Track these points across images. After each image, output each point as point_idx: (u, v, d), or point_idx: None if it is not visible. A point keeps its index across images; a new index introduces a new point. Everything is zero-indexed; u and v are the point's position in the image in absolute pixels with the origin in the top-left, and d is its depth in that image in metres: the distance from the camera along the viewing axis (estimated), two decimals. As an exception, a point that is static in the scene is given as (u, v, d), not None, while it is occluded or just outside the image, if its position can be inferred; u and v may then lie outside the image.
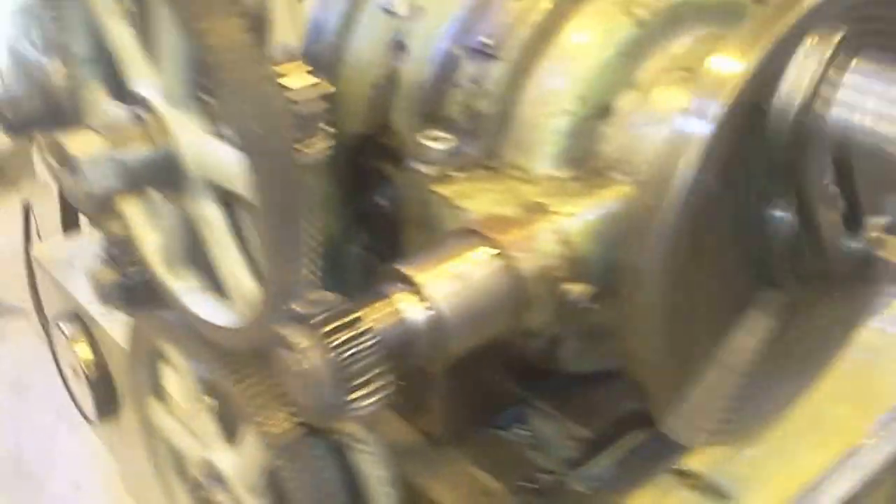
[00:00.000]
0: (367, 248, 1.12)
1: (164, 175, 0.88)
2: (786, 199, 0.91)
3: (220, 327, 0.96)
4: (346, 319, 0.79)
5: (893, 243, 0.91)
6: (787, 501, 1.05)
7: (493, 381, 1.15)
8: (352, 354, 0.79)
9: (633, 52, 0.95)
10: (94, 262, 1.16)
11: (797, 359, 1.03)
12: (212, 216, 0.92)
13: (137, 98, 0.89)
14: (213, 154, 0.87)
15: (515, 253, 0.87)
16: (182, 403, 1.19)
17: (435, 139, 0.96)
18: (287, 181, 0.80)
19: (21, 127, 1.11)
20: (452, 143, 0.97)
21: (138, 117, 0.87)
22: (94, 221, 1.19)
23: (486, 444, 1.14)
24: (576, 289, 0.89)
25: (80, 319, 2.28)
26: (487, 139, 0.98)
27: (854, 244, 0.93)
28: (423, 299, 0.84)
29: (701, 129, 0.82)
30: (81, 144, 0.83)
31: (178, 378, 1.18)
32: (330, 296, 0.82)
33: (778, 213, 0.92)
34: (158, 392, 1.29)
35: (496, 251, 0.87)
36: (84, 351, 2.26)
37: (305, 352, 0.78)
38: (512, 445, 1.15)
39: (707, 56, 0.91)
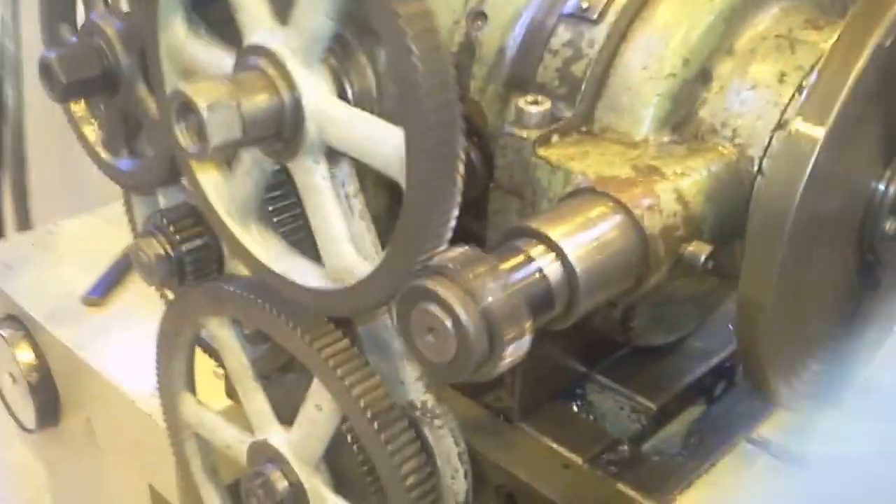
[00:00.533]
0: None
1: (282, 132, 0.84)
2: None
3: (313, 290, 0.92)
4: (488, 271, 0.77)
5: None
6: (863, 465, 1.06)
7: (563, 356, 1.14)
8: (499, 306, 0.76)
9: (732, 19, 0.96)
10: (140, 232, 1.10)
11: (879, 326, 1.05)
12: (321, 183, 0.88)
13: (261, 50, 0.84)
14: (343, 121, 0.83)
15: (639, 211, 0.86)
16: (236, 385, 1.13)
17: (534, 103, 0.95)
18: (447, 138, 0.77)
19: (70, 91, 1.04)
20: (549, 107, 0.95)
21: (262, 70, 0.83)
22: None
23: (557, 418, 1.12)
24: (697, 248, 0.89)
25: (20, 323, 2.16)
26: (584, 104, 0.97)
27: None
28: (558, 256, 0.82)
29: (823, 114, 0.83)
30: (206, 92, 0.79)
31: (231, 358, 1.12)
32: (467, 249, 0.79)
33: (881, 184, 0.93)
34: (192, 386, 1.22)
35: (621, 210, 0.86)
36: (26, 356, 2.15)
37: (453, 303, 0.75)
38: (581, 419, 1.14)
39: (799, 25, 0.94)
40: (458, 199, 0.80)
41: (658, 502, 1.02)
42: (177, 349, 1.19)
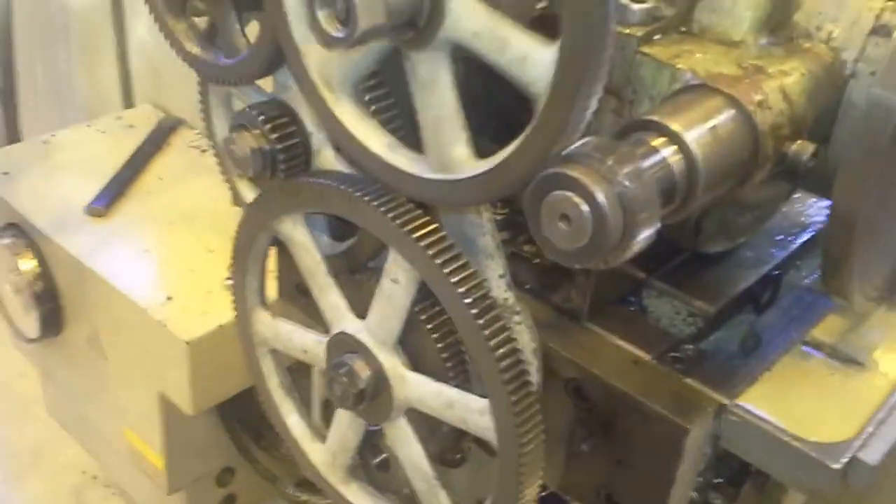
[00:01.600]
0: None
1: (417, 21, 0.81)
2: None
3: (423, 179, 0.90)
4: (624, 157, 0.76)
5: None
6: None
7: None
8: (635, 190, 0.75)
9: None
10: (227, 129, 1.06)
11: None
12: (443, 77, 0.85)
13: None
14: (488, 28, 0.80)
15: (752, 108, 0.86)
16: (310, 282, 1.10)
17: (637, 0, 0.93)
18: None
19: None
20: (652, 5, 0.94)
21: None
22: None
23: (621, 319, 1.13)
24: (802, 145, 0.89)
25: (22, 232, 2.10)
26: (685, 3, 0.96)
27: None
28: (681, 148, 0.82)
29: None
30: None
31: (305, 256, 1.09)
32: (599, 138, 0.78)
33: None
34: (265, 301, 1.19)
35: (736, 106, 0.86)
36: (29, 264, 2.10)
37: (595, 187, 0.74)
38: (644, 321, 1.14)
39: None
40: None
41: (725, 396, 1.03)
42: (251, 262, 1.16)
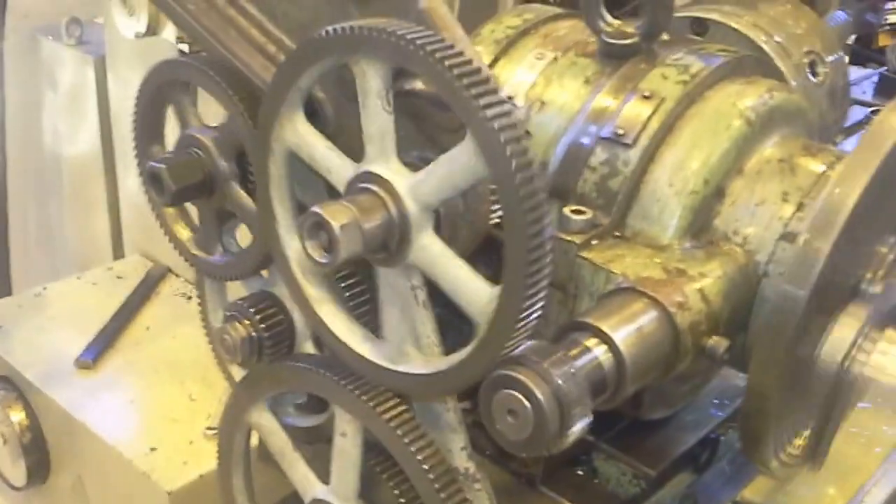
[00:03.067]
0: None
1: (390, 247, 0.96)
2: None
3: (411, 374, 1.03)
4: (559, 360, 0.90)
5: None
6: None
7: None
8: (569, 389, 0.89)
9: (743, 146, 1.12)
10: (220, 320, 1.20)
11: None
12: (405, 292, 1.00)
13: (380, 180, 0.96)
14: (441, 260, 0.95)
15: (673, 309, 1.00)
16: (280, 461, 1.22)
17: (577, 212, 1.09)
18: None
19: (178, 197, 1.15)
20: (590, 215, 1.09)
21: (374, 193, 0.95)
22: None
23: (572, 482, 1.25)
24: (717, 341, 1.03)
25: (13, 384, 2.20)
26: (618, 213, 1.11)
27: None
28: (610, 347, 0.95)
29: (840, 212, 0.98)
30: (337, 214, 0.90)
31: (273, 440, 1.21)
32: (538, 342, 0.91)
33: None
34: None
35: (658, 308, 1.00)
36: (18, 416, 2.19)
37: (535, 388, 0.87)
38: (592, 483, 1.26)
39: (797, 152, 1.09)
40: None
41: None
42: (234, 464, 1.29)
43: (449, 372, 0.97)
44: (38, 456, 2.19)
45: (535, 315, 0.90)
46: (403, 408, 1.07)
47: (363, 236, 0.92)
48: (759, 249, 1.09)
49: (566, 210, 1.09)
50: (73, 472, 2.16)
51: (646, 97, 1.12)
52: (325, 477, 1.19)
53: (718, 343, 1.03)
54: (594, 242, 1.09)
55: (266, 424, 1.24)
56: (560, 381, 0.89)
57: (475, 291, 0.93)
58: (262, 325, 1.16)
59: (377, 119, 0.95)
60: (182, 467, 1.93)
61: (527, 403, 0.88)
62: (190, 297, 2.47)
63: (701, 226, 1.11)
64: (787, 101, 1.17)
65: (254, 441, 1.31)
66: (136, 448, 1.98)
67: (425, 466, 1.04)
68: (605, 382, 0.95)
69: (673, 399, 1.28)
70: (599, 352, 0.95)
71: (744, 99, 1.13)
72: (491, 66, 1.23)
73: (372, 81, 0.93)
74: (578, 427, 0.91)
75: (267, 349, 1.16)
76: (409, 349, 1.02)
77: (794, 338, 1.02)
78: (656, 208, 1.10)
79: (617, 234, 1.11)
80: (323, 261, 0.92)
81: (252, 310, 1.16)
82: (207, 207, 1.18)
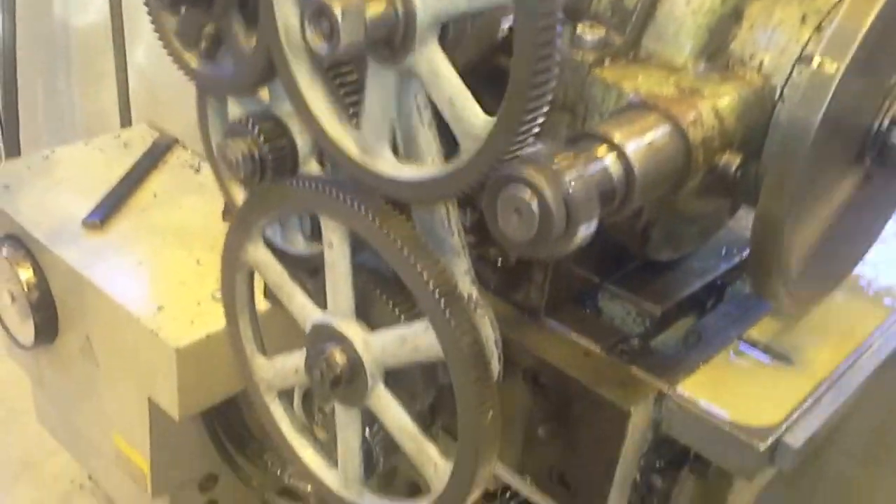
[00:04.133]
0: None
1: (392, 42, 0.93)
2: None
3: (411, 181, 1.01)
4: (569, 163, 0.88)
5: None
6: (842, 362, 1.21)
7: (583, 265, 1.25)
8: (577, 191, 0.87)
9: (764, -34, 1.08)
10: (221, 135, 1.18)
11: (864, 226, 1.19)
12: (409, 101, 0.98)
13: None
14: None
15: (685, 123, 0.98)
16: (279, 294, 1.21)
17: (591, 29, 1.06)
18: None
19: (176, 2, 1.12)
20: (604, 34, 1.06)
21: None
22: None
23: (575, 316, 1.24)
24: (729, 157, 1.01)
25: (21, 243, 2.20)
26: (633, 32, 1.08)
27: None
28: (620, 156, 0.94)
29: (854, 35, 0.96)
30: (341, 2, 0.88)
31: (269, 272, 1.20)
32: (550, 144, 0.90)
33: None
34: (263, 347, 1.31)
35: (672, 122, 0.98)
36: (26, 274, 2.19)
37: (544, 186, 0.86)
38: (598, 319, 1.26)
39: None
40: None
41: (666, 384, 1.15)
42: (239, 309, 1.28)
43: (442, 178, 0.96)
44: (46, 314, 2.20)
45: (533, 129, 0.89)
46: (408, 224, 1.06)
47: (366, 25, 0.89)
48: (775, 74, 1.06)
49: (580, 27, 1.06)
50: (81, 331, 2.17)
51: (665, -86, 1.09)
52: (322, 304, 1.19)
53: (731, 160, 1.01)
54: (607, 62, 1.07)
55: (262, 259, 1.24)
56: (569, 180, 0.87)
57: (470, 113, 0.91)
58: (264, 143, 1.14)
59: None
60: (189, 326, 1.94)
61: (534, 202, 0.87)
62: (198, 170, 2.46)
63: (717, 48, 1.08)
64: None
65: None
66: (144, 307, 1.98)
67: (430, 284, 1.03)
68: (613, 191, 0.93)
69: (680, 240, 1.27)
70: (609, 160, 0.93)
71: (767, -82, 1.09)
72: None
73: None
74: (584, 230, 0.90)
75: (269, 166, 1.14)
76: (385, 151, 1.01)
77: (806, 164, 1.01)
78: (672, 28, 1.07)
79: (631, 55, 1.09)
80: (322, 50, 0.90)
81: (254, 127, 1.14)
82: (207, 17, 1.16)
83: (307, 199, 1.11)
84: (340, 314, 1.15)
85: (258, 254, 1.24)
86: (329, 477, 1.27)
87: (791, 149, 1.01)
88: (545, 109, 0.88)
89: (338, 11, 0.88)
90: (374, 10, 0.90)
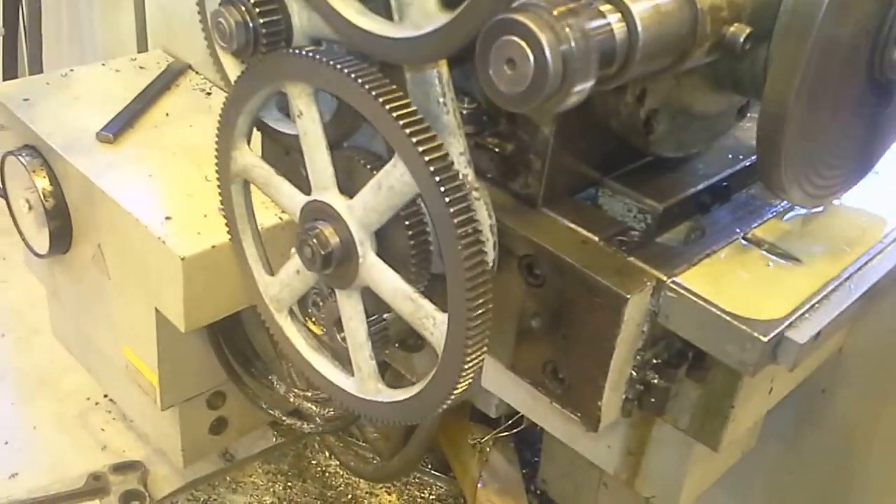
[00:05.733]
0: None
1: None
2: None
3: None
4: (569, 13, 0.79)
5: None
6: (850, 264, 1.11)
7: (583, 156, 1.16)
8: (575, 45, 0.78)
9: None
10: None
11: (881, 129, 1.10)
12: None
13: None
14: None
15: (694, -10, 0.89)
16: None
17: None
18: None
19: None
20: None
21: None
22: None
23: (575, 207, 1.16)
24: (738, 28, 0.92)
25: (38, 152, 2.15)
26: None
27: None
28: (624, 17, 0.85)
29: None
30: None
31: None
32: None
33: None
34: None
35: (679, -15, 0.88)
36: (42, 182, 2.14)
37: (542, 35, 0.77)
38: (597, 211, 1.17)
39: None
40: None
41: (664, 274, 1.06)
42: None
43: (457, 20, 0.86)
44: (60, 222, 2.15)
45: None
46: (406, 100, 0.97)
47: None
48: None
49: None
50: (93, 240, 2.11)
51: None
52: (308, 190, 1.11)
53: (739, 29, 0.92)
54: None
55: (248, 162, 1.18)
56: (568, 33, 0.78)
57: None
58: (258, 13, 1.06)
59: None
60: (196, 237, 1.88)
61: (529, 52, 0.78)
62: (210, 93, 2.38)
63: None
64: None
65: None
66: (153, 216, 1.92)
67: (426, 158, 0.95)
68: (613, 52, 0.85)
69: (686, 137, 1.18)
70: (613, 19, 0.84)
71: None
72: None
73: None
74: (579, 87, 0.81)
75: (262, 37, 1.06)
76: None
77: (814, 47, 0.91)
78: None
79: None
80: None
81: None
82: None
83: (298, 70, 1.03)
84: (322, 187, 1.07)
85: (244, 158, 1.17)
86: (347, 383, 1.20)
87: (799, 29, 0.91)
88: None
89: None
90: None
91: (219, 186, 1.26)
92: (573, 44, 0.78)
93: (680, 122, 1.14)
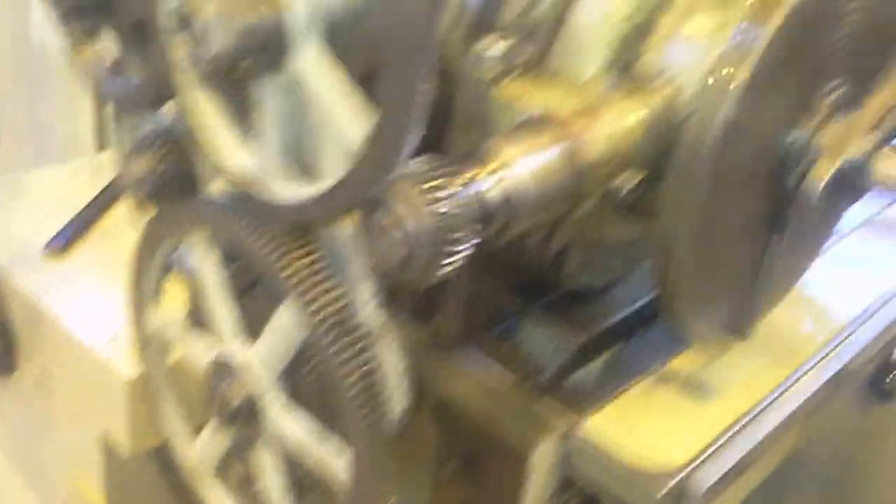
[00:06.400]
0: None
1: (271, 53, 0.87)
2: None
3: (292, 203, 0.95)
4: (442, 184, 0.81)
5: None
6: (762, 401, 1.12)
7: (499, 292, 1.18)
8: (447, 216, 0.81)
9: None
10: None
11: (787, 267, 1.11)
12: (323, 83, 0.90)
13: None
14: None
15: (578, 143, 0.91)
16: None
17: (491, 46, 0.99)
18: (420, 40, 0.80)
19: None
20: (507, 49, 0.99)
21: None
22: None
23: (489, 346, 1.16)
24: (625, 178, 0.94)
25: (-23, 271, 2.15)
26: (539, 47, 1.00)
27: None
28: (501, 178, 0.87)
29: (756, 44, 0.88)
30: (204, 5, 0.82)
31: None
32: (424, 162, 0.83)
33: (794, 134, 0.99)
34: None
35: (562, 140, 0.91)
36: (-17, 302, 2.14)
37: (406, 209, 0.79)
38: (512, 349, 1.18)
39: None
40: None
41: (573, 418, 1.06)
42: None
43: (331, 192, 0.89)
44: (4, 344, 2.14)
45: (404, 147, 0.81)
46: (299, 252, 0.99)
47: (237, 32, 0.82)
48: (686, 87, 0.97)
49: (479, 44, 0.99)
50: (38, 362, 2.09)
51: (575, -83, 1.01)
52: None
53: (626, 181, 0.94)
54: (509, 78, 0.99)
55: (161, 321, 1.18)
56: (435, 205, 0.80)
57: (347, 125, 0.84)
58: (165, 161, 1.08)
59: None
60: (142, 356, 1.89)
61: (397, 228, 0.81)
62: (169, 196, 2.42)
63: (627, 62, 0.99)
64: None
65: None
66: (98, 336, 1.91)
67: (310, 309, 0.96)
68: (490, 215, 0.85)
69: (602, 268, 1.19)
70: (490, 181, 0.85)
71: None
72: None
73: None
74: (453, 257, 0.83)
75: (168, 186, 1.08)
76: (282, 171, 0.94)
77: (708, 179, 0.93)
78: (580, 41, 0.98)
79: (538, 70, 1.01)
80: (193, 61, 0.84)
81: (156, 145, 1.08)
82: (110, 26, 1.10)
83: (193, 218, 1.06)
84: (227, 337, 1.09)
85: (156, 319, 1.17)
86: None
87: (690, 164, 0.92)
88: (416, 128, 0.81)
89: (204, 19, 0.82)
90: (245, 15, 0.84)
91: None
92: (440, 216, 0.80)
93: (594, 254, 1.16)
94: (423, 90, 0.78)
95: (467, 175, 0.85)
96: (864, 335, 1.27)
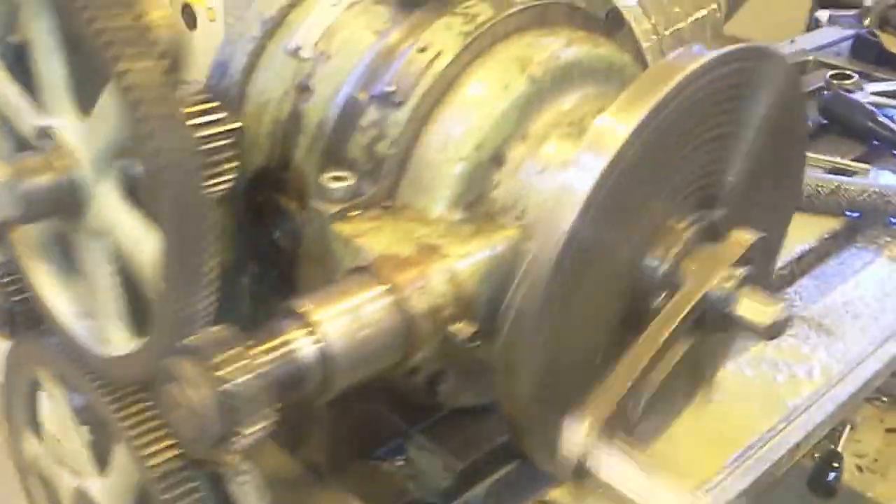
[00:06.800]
0: (258, 281, 1.10)
1: (63, 207, 0.86)
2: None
3: (105, 357, 0.94)
4: (235, 354, 0.79)
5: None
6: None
7: (375, 414, 1.14)
8: (238, 389, 0.78)
9: (526, 107, 0.96)
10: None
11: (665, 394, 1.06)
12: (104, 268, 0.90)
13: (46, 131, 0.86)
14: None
15: (407, 292, 0.87)
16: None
17: (337, 178, 0.96)
18: (193, 213, 0.79)
19: None
20: (353, 182, 0.96)
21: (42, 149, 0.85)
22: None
23: (365, 475, 1.13)
24: (460, 327, 0.90)
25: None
26: (386, 181, 0.97)
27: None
28: (315, 337, 0.83)
29: (584, 182, 0.84)
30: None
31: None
32: (222, 330, 0.81)
33: (651, 262, 0.95)
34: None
35: (388, 290, 0.87)
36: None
37: (192, 384, 0.77)
38: (390, 477, 1.14)
39: (592, 113, 0.95)
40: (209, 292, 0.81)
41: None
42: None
43: (134, 354, 0.87)
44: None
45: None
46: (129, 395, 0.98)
47: (23, 197, 0.82)
48: (535, 225, 0.94)
49: (324, 176, 0.96)
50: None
51: (421, 50, 0.98)
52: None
53: (461, 329, 0.90)
54: (353, 213, 0.96)
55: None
56: (231, 379, 0.77)
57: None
58: (13, 294, 1.07)
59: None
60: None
61: (186, 402, 0.77)
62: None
63: (477, 196, 0.95)
64: (591, 55, 1.01)
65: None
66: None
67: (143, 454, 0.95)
68: (302, 378, 0.82)
69: (484, 386, 1.15)
70: (303, 342, 0.82)
71: (533, 53, 0.97)
72: (287, 12, 1.10)
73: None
74: (252, 430, 0.80)
75: (17, 320, 1.08)
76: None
77: (542, 328, 0.89)
78: (426, 176, 0.95)
79: (387, 205, 0.98)
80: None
81: (4, 278, 1.07)
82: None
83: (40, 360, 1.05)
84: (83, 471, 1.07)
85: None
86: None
87: (529, 299, 0.87)
88: (206, 293, 0.79)
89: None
90: (32, 181, 0.83)
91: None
92: (234, 388, 0.76)
93: (472, 375, 1.12)
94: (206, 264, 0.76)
95: (275, 338, 0.82)
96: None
